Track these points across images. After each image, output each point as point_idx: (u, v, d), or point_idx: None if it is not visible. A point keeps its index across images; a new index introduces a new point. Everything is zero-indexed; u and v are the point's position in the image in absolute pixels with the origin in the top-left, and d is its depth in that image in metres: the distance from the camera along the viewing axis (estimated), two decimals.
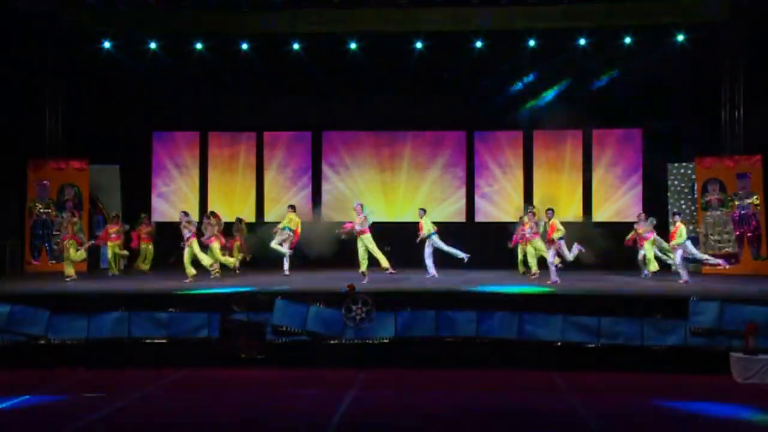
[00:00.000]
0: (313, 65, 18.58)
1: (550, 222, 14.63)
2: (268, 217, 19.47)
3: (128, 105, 18.86)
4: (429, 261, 15.57)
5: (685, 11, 17.14)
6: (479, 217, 19.76)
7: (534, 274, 14.92)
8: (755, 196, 16.90)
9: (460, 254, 15.48)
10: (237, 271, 16.37)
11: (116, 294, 12.77)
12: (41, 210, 17.92)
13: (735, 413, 9.49)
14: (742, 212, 16.95)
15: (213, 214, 16.10)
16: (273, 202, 19.90)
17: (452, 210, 19.63)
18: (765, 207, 16.82)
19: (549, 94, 19.00)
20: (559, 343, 11.75)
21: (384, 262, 15.00)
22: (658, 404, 9.86)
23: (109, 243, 16.36)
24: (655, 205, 16.87)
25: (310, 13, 17.76)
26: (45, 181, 17.97)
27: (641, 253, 15.26)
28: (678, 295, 12.18)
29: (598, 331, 11.69)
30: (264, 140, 20.15)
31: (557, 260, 14.53)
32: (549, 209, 14.94)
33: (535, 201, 18.40)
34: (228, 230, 16.73)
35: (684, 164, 18.05)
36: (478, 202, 19.80)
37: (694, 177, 17.69)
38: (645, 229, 15.10)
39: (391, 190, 19.93)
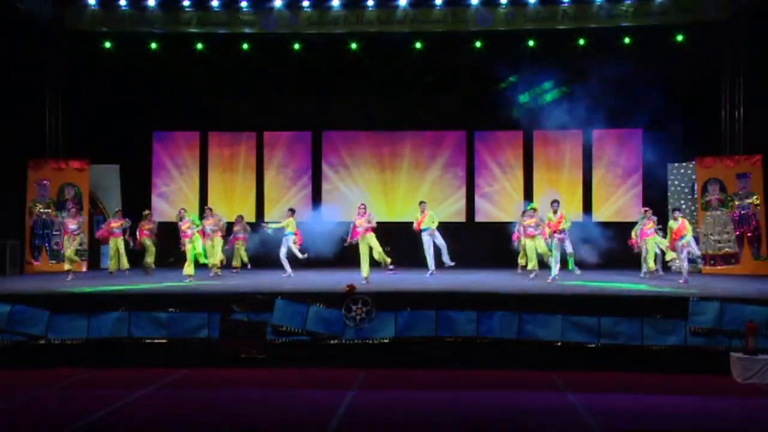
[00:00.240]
0: (313, 65, 18.60)
1: (559, 213, 14.54)
2: (269, 217, 19.49)
3: (128, 105, 18.89)
4: (428, 253, 15.58)
5: (685, 11, 17.15)
6: (479, 217, 19.78)
7: (534, 273, 14.91)
8: (755, 196, 16.90)
9: (432, 263, 15.54)
10: (233, 272, 16.41)
11: (116, 294, 12.77)
12: (41, 210, 17.93)
13: (735, 413, 9.49)
14: (742, 212, 16.95)
15: (210, 209, 16.23)
16: (273, 202, 19.93)
17: (452, 210, 19.65)
18: (765, 207, 16.82)
19: (549, 94, 19.00)
20: (559, 343, 11.73)
21: (386, 260, 15.01)
22: (657, 404, 9.86)
23: (111, 238, 16.31)
24: (656, 205, 16.86)
25: (310, 13, 17.79)
26: (45, 181, 17.98)
27: (644, 250, 15.23)
28: (678, 295, 12.17)
29: (598, 331, 11.68)
30: (264, 140, 20.18)
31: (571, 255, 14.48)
32: (555, 201, 14.81)
33: (535, 201, 18.40)
34: (228, 230, 16.75)
35: (684, 164, 18.06)
36: (478, 202, 19.82)
37: (694, 177, 17.70)
38: (650, 225, 15.09)
39: (391, 190, 19.96)
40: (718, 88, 17.64)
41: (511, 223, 17.55)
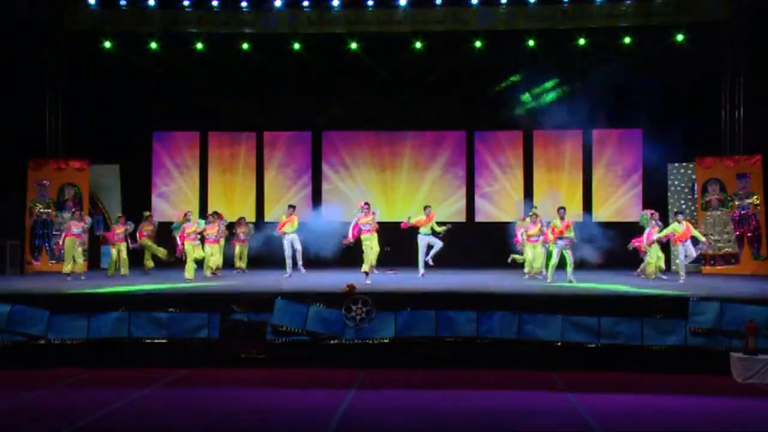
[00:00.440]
0: (313, 65, 18.60)
1: (566, 221, 14.52)
2: (269, 217, 19.50)
3: (128, 105, 18.89)
4: (422, 257, 15.62)
5: (685, 11, 17.16)
6: (479, 217, 19.77)
7: (528, 275, 14.90)
8: (755, 196, 16.91)
9: (423, 265, 15.51)
10: (234, 272, 16.42)
11: (116, 294, 12.77)
12: (41, 210, 17.93)
13: (735, 413, 9.49)
14: (742, 212, 16.96)
15: (217, 214, 16.19)
16: (273, 202, 19.92)
17: (452, 210, 19.63)
18: (765, 207, 16.82)
19: (549, 94, 19.00)
20: (559, 343, 11.73)
21: (371, 267, 14.77)
22: (657, 404, 9.86)
23: (115, 244, 16.29)
24: (655, 205, 16.87)
25: (310, 13, 17.79)
26: (45, 181, 17.98)
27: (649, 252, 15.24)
28: (678, 295, 12.16)
29: (598, 331, 11.68)
30: (264, 140, 20.17)
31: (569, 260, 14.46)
32: (562, 208, 14.75)
33: (536, 201, 18.42)
34: (230, 231, 16.78)
35: (684, 164, 18.06)
36: (478, 202, 19.81)
37: (694, 177, 17.70)
38: (656, 230, 15.07)
39: (391, 190, 19.95)
40: (718, 88, 17.65)
41: (512, 223, 17.55)
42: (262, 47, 18.39)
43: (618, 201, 19.44)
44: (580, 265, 15.67)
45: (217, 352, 11.97)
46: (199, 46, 18.33)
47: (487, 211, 19.78)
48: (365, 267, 14.42)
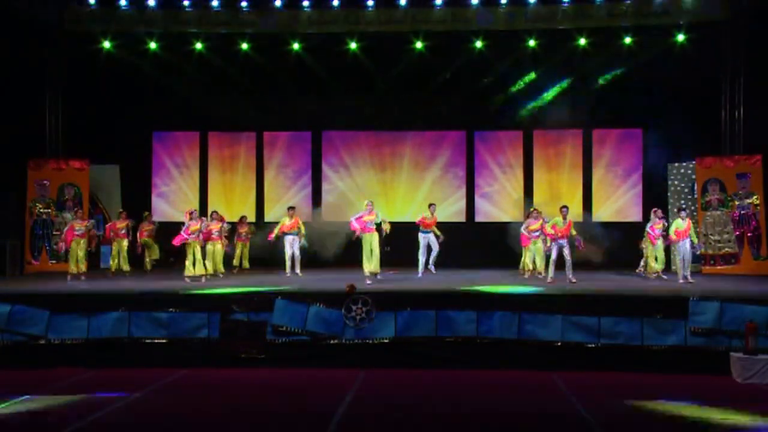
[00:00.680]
0: (313, 65, 18.60)
1: (568, 220, 14.49)
2: (268, 217, 19.49)
3: (128, 105, 18.86)
4: (422, 255, 15.65)
5: (685, 11, 17.17)
6: (479, 217, 19.77)
7: (540, 274, 14.90)
8: (755, 196, 16.90)
9: (423, 265, 15.61)
10: (234, 272, 16.43)
11: (116, 294, 12.77)
12: (41, 210, 17.93)
13: (734, 413, 9.49)
14: (742, 212, 16.95)
15: (217, 214, 16.19)
16: (273, 202, 19.91)
17: (452, 210, 19.62)
18: (765, 207, 16.82)
19: (549, 94, 18.99)
20: (559, 343, 11.74)
21: (376, 270, 14.76)
22: (657, 404, 9.86)
23: (115, 239, 16.27)
24: (655, 205, 16.85)
25: (310, 13, 17.79)
26: (45, 181, 17.98)
27: (650, 250, 15.22)
28: (678, 295, 12.17)
29: (598, 331, 11.69)
30: (264, 140, 20.16)
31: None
32: (564, 207, 14.67)
33: (536, 201, 18.42)
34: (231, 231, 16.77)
35: (684, 164, 18.05)
36: (478, 202, 19.81)
37: (694, 177, 17.70)
38: (660, 225, 15.08)
39: (391, 190, 19.94)
40: (718, 88, 17.64)
41: (511, 223, 17.55)
42: (262, 47, 18.39)
43: (618, 201, 19.43)
44: (581, 265, 15.67)
45: (217, 352, 11.98)
46: (199, 46, 18.34)
47: (487, 211, 19.77)
48: (373, 268, 14.35)
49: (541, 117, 18.90)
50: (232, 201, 19.83)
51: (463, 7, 17.59)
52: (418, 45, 18.07)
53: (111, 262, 16.35)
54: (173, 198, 19.98)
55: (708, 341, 11.50)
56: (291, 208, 16.39)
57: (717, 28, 17.31)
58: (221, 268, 15.67)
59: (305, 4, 17.66)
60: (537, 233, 15.24)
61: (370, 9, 17.70)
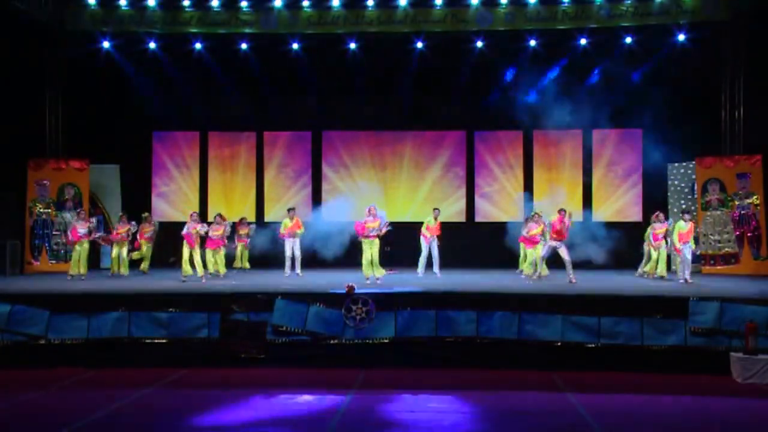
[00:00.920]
0: (313, 65, 18.61)
1: (567, 222, 14.49)
2: (268, 217, 19.49)
3: (128, 105, 18.88)
4: (423, 256, 15.74)
5: (685, 11, 17.17)
6: (479, 217, 19.77)
7: (537, 276, 14.91)
8: (755, 196, 16.90)
9: (423, 266, 15.75)
10: (236, 272, 16.42)
11: (116, 294, 12.76)
12: (41, 210, 17.92)
13: (735, 413, 9.49)
14: (742, 212, 16.95)
15: (221, 218, 16.17)
16: (273, 202, 19.91)
17: (452, 210, 19.62)
18: (765, 207, 16.82)
19: (549, 94, 18.98)
20: (559, 343, 11.74)
21: (380, 272, 14.70)
22: (657, 404, 9.86)
23: (117, 242, 16.26)
24: (656, 205, 16.87)
25: (310, 13, 17.79)
26: (45, 181, 17.97)
27: (653, 254, 15.22)
28: (678, 295, 12.17)
29: (598, 331, 11.69)
30: (264, 140, 20.16)
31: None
32: (562, 210, 14.65)
33: (536, 200, 18.42)
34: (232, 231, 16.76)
35: (684, 164, 18.05)
36: (478, 202, 19.81)
37: (694, 177, 17.70)
38: (663, 229, 15.06)
39: (391, 190, 19.94)
40: (718, 88, 17.65)
41: (512, 223, 17.55)
42: (261, 47, 18.39)
43: (618, 201, 19.44)
44: (582, 265, 15.69)
45: (217, 352, 11.97)
46: (199, 46, 18.34)
47: (487, 211, 19.77)
48: (377, 272, 14.34)
49: (541, 117, 18.88)
50: (232, 201, 19.83)
51: (463, 7, 17.60)
52: (418, 45, 18.07)
53: (112, 267, 16.29)
54: (173, 198, 19.98)
55: (708, 341, 11.50)
56: (291, 209, 16.38)
57: (717, 28, 17.31)
58: (222, 269, 15.65)
59: (305, 4, 17.66)
60: (539, 237, 15.22)
61: (370, 9, 17.71)
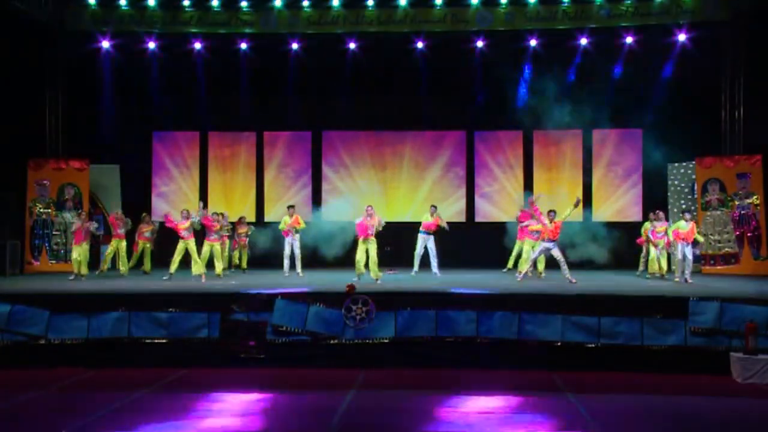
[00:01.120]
0: (313, 65, 18.61)
1: (555, 223, 14.47)
2: (269, 217, 19.49)
3: (128, 105, 18.88)
4: (419, 254, 15.77)
5: (685, 11, 17.18)
6: (479, 217, 19.76)
7: (530, 273, 14.93)
8: (755, 196, 16.90)
9: (418, 263, 15.81)
10: (231, 272, 16.43)
11: (116, 294, 12.77)
12: (41, 210, 17.92)
13: (735, 413, 9.49)
14: (742, 212, 16.95)
15: (221, 215, 16.18)
16: (273, 202, 19.91)
17: (452, 210, 19.60)
18: (765, 207, 16.82)
19: (549, 94, 18.97)
20: (559, 343, 11.74)
21: (378, 275, 14.69)
22: (657, 404, 9.87)
23: (114, 240, 16.23)
24: (656, 205, 16.87)
25: (310, 13, 17.80)
26: (45, 181, 17.97)
27: (653, 252, 15.23)
28: (678, 295, 12.17)
29: (598, 331, 11.69)
30: (264, 140, 20.15)
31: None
32: (551, 211, 14.72)
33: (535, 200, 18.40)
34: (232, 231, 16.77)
35: (684, 164, 18.05)
36: (478, 202, 19.80)
37: (694, 177, 17.70)
38: (663, 227, 15.06)
39: (391, 190, 19.93)
40: (718, 88, 17.65)
41: (512, 223, 17.53)
42: (261, 47, 18.40)
43: (618, 201, 19.43)
44: (582, 265, 15.69)
45: (217, 352, 11.97)
46: (199, 46, 18.34)
47: (487, 211, 19.76)
48: (373, 275, 14.35)
49: (541, 117, 18.87)
50: (232, 201, 19.81)
51: (463, 7, 17.62)
52: (419, 45, 18.07)
53: (102, 264, 16.23)
54: (173, 198, 19.96)
55: (708, 341, 11.50)
56: (290, 206, 16.38)
57: (717, 28, 17.32)
58: (220, 270, 15.64)
59: (305, 4, 17.68)
60: (536, 234, 15.21)
61: (370, 9, 17.72)
